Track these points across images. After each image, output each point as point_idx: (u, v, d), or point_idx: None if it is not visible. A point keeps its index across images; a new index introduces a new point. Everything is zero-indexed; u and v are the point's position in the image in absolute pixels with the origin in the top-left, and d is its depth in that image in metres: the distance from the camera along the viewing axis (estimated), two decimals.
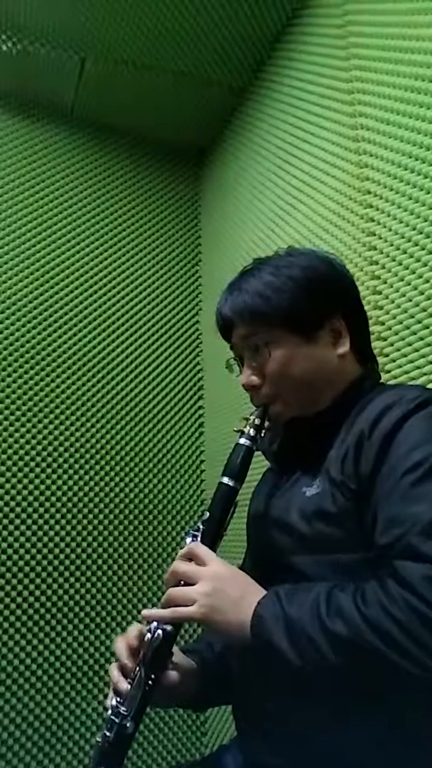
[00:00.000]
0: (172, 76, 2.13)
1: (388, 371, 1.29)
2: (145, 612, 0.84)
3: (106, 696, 1.78)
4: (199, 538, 0.88)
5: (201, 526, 0.90)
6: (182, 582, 0.82)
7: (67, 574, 1.88)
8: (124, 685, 0.84)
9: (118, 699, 0.84)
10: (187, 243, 2.44)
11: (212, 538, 0.89)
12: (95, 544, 1.95)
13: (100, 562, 1.94)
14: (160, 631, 0.84)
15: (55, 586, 1.86)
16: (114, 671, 0.88)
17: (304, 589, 0.74)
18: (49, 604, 1.84)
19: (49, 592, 1.85)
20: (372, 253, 1.39)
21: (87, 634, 1.87)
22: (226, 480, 0.91)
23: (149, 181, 2.42)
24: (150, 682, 0.83)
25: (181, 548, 0.87)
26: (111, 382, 2.12)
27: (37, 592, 1.83)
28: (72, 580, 1.89)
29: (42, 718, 1.76)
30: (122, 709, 0.83)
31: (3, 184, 2.14)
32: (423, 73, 1.28)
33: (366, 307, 1.36)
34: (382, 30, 1.44)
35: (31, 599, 1.82)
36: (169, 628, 0.84)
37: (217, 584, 0.79)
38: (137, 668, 0.84)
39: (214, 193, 2.42)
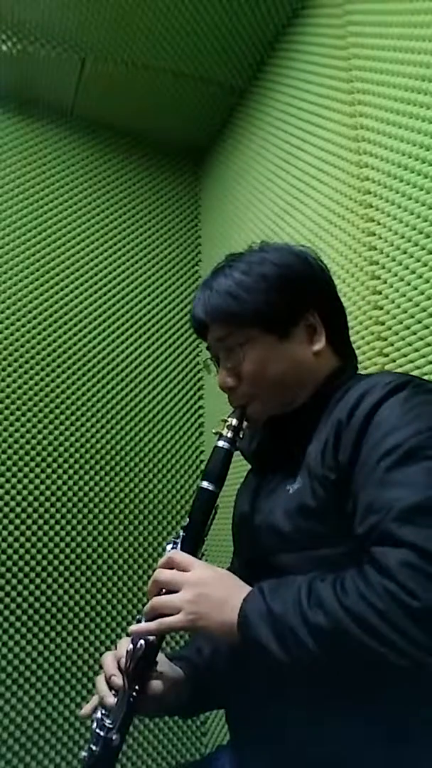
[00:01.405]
0: (172, 76, 2.13)
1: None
2: (132, 628, 0.83)
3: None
4: (179, 545, 0.88)
5: (182, 533, 0.89)
6: (164, 591, 0.81)
7: (67, 574, 1.88)
8: (110, 698, 0.83)
9: (103, 712, 0.84)
10: (187, 243, 2.44)
11: (193, 544, 0.88)
12: (95, 544, 1.95)
13: (100, 562, 1.94)
14: (142, 642, 0.83)
15: (55, 586, 1.86)
16: (100, 684, 0.87)
17: (287, 583, 0.73)
18: (49, 604, 1.84)
19: (49, 592, 1.85)
20: (372, 253, 1.39)
21: (87, 634, 1.87)
22: (205, 484, 0.90)
23: (149, 181, 2.42)
24: (134, 693, 0.83)
25: (162, 557, 0.86)
26: (111, 382, 2.12)
27: (37, 592, 1.83)
28: (72, 580, 1.89)
29: (42, 718, 1.76)
30: (107, 721, 0.82)
31: (3, 184, 2.14)
32: (423, 73, 1.28)
33: (366, 307, 1.38)
34: (382, 30, 1.44)
35: (31, 599, 1.82)
36: (151, 638, 0.83)
37: (201, 589, 0.78)
38: (122, 680, 0.83)
39: (214, 193, 2.42)
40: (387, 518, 0.68)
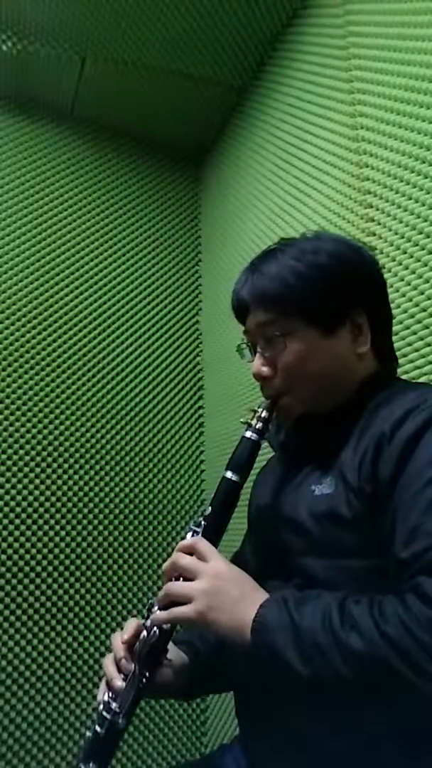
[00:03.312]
0: (172, 76, 2.13)
1: None
2: (147, 619, 0.83)
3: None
4: (200, 533, 0.85)
5: (202, 521, 0.87)
6: (180, 576, 0.80)
7: (67, 574, 1.88)
8: (119, 682, 0.83)
9: (111, 695, 0.83)
10: (187, 243, 2.44)
11: (214, 534, 0.85)
12: (95, 544, 1.95)
13: (100, 562, 1.94)
14: (156, 629, 0.82)
15: (55, 586, 1.86)
16: (109, 666, 0.86)
17: (313, 598, 0.71)
18: (49, 604, 1.84)
19: (49, 592, 1.85)
20: (372, 253, 1.39)
21: (87, 634, 1.87)
22: (229, 474, 0.88)
23: (149, 181, 2.42)
24: (144, 679, 0.82)
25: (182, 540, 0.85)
26: (111, 382, 2.12)
27: (37, 592, 1.83)
28: (72, 580, 1.89)
29: (42, 718, 1.76)
30: (114, 705, 0.82)
31: (3, 184, 2.14)
32: (423, 73, 1.28)
33: None
34: (382, 30, 1.44)
35: (31, 599, 1.82)
36: (166, 625, 0.83)
37: (217, 582, 0.76)
38: (133, 665, 0.83)
39: (214, 193, 2.42)
40: None
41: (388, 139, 1.38)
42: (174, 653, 0.91)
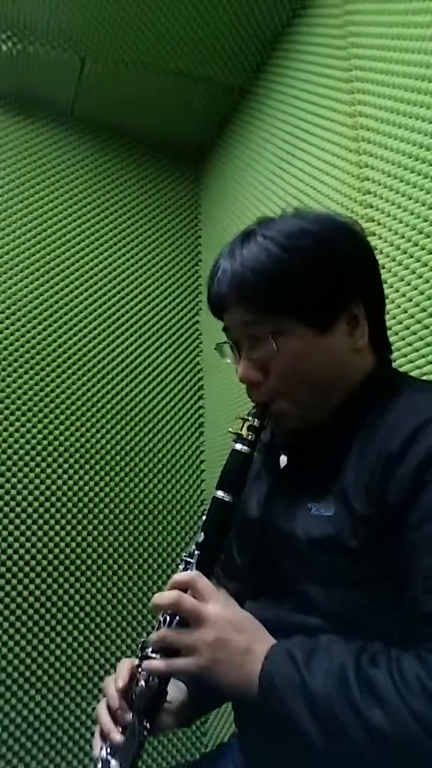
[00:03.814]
0: (172, 76, 2.13)
1: None
2: (142, 665, 0.75)
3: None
4: (194, 566, 0.77)
5: (195, 550, 0.79)
6: (173, 614, 0.73)
7: (67, 574, 1.88)
8: (117, 736, 0.74)
9: (109, 750, 0.75)
10: (187, 243, 2.44)
11: (210, 564, 0.78)
12: (95, 544, 1.95)
13: (100, 562, 1.94)
14: (155, 677, 0.75)
15: (55, 586, 1.86)
16: (105, 717, 0.77)
17: (323, 650, 0.65)
18: (49, 604, 1.84)
19: (49, 592, 1.85)
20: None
21: (87, 634, 1.87)
22: (221, 494, 0.78)
23: (149, 181, 2.42)
24: (145, 732, 0.75)
25: (174, 572, 0.77)
26: (111, 382, 2.12)
27: (37, 592, 1.83)
28: (72, 580, 1.89)
29: (42, 718, 1.76)
30: (114, 763, 0.73)
31: (3, 184, 2.14)
32: (423, 73, 1.28)
33: None
34: (382, 30, 1.44)
35: (31, 599, 1.82)
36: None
37: (222, 633, 0.69)
38: (131, 715, 0.75)
39: (214, 193, 2.41)
40: None
41: (388, 139, 1.38)
42: (173, 694, 0.82)
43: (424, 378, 1.19)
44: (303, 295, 0.77)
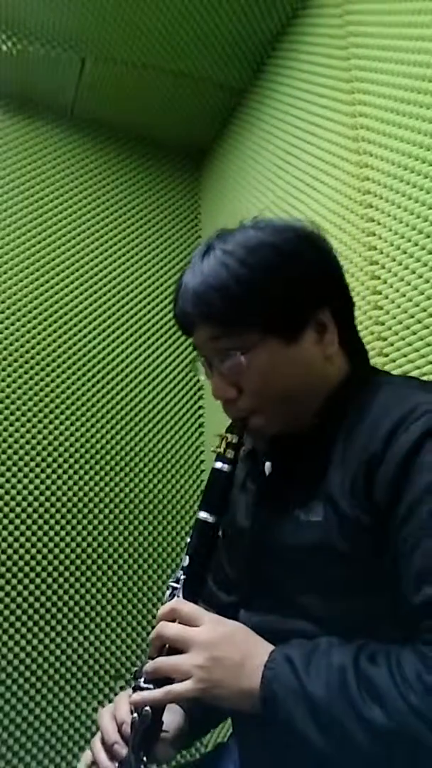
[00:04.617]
0: (172, 76, 2.13)
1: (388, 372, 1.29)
2: (134, 697, 0.73)
3: (106, 696, 1.77)
4: (180, 591, 0.76)
5: (181, 575, 0.78)
6: (168, 647, 0.72)
7: (67, 574, 1.88)
8: None
9: None
10: (187, 243, 2.44)
11: (196, 587, 0.77)
12: (95, 544, 1.95)
13: (100, 562, 1.94)
14: (148, 708, 0.72)
15: (55, 586, 1.86)
16: (101, 753, 0.76)
17: (322, 654, 0.64)
18: (49, 604, 1.84)
19: (49, 592, 1.85)
20: (372, 253, 1.39)
21: (87, 634, 1.87)
22: (204, 516, 0.78)
23: (149, 180, 2.42)
24: (142, 766, 0.73)
25: (162, 602, 0.76)
26: (111, 382, 2.12)
27: (37, 592, 1.83)
28: (72, 580, 1.89)
29: (42, 718, 1.76)
30: None
31: (3, 184, 2.14)
32: (423, 73, 1.28)
33: (366, 307, 1.38)
34: (382, 30, 1.44)
35: (31, 599, 1.82)
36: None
37: (212, 652, 0.67)
38: (126, 750, 0.74)
39: (214, 193, 2.41)
40: None
41: (388, 139, 1.38)
42: (168, 715, 0.79)
43: (424, 378, 1.20)
44: (266, 307, 0.76)
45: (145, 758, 0.73)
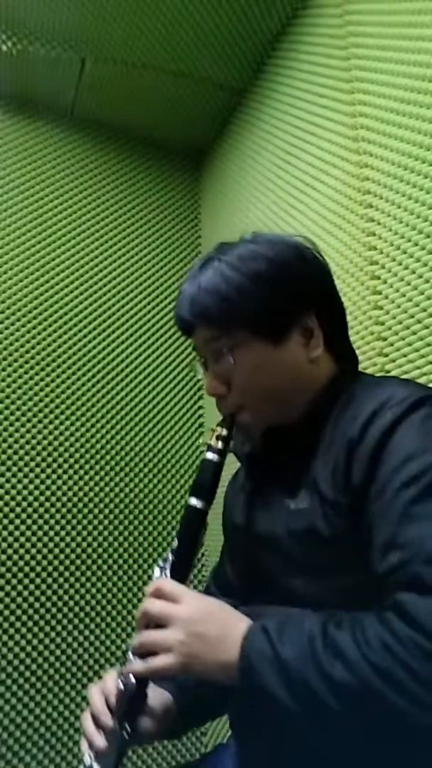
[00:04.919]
0: (172, 76, 2.13)
1: (388, 371, 1.29)
2: (120, 669, 0.78)
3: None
4: (167, 571, 0.81)
5: (170, 556, 0.83)
6: (154, 624, 0.75)
7: (67, 574, 1.88)
8: (99, 741, 0.78)
9: (92, 755, 0.78)
10: (187, 243, 2.44)
11: (183, 569, 0.82)
12: (95, 544, 1.95)
13: (100, 562, 1.94)
14: (133, 679, 0.77)
15: (55, 586, 1.86)
16: (88, 724, 0.80)
17: (295, 623, 0.67)
18: (49, 604, 1.84)
19: (49, 592, 1.85)
20: (372, 253, 1.39)
21: (87, 634, 1.87)
22: (193, 501, 0.83)
23: (149, 181, 2.42)
24: (125, 734, 0.77)
25: (150, 582, 0.81)
26: (111, 382, 2.12)
27: (37, 592, 1.83)
28: (72, 580, 1.89)
29: (42, 718, 1.76)
30: (97, 767, 0.77)
31: (3, 184, 2.14)
32: (423, 73, 1.28)
33: (366, 307, 1.38)
34: (382, 30, 1.44)
35: (31, 599, 1.82)
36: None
37: (193, 627, 0.71)
38: (112, 721, 0.78)
39: (214, 193, 2.42)
40: (414, 560, 0.62)
41: (388, 139, 1.38)
42: (157, 696, 0.86)
43: (424, 378, 1.20)
44: (254, 310, 0.83)
45: (128, 727, 0.77)
